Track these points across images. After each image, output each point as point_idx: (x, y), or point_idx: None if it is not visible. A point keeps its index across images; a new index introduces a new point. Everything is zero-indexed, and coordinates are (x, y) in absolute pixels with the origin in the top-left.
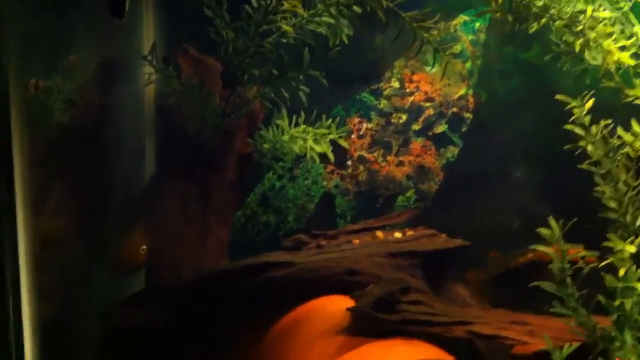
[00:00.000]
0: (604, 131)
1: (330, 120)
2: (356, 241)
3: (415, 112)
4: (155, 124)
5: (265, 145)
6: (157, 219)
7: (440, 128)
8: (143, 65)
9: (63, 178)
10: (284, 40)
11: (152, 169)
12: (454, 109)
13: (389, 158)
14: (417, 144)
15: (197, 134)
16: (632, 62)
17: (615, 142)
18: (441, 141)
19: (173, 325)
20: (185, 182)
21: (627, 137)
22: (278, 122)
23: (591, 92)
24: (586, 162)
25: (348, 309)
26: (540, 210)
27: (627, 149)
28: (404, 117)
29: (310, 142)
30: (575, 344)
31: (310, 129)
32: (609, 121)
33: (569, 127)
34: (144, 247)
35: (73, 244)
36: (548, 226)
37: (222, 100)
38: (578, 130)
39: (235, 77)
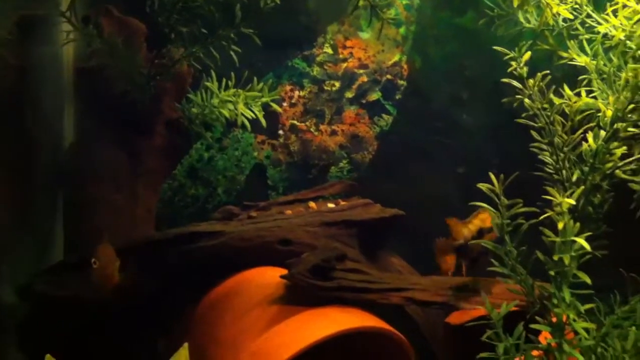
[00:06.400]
0: (541, 83)
1: (262, 84)
2: (289, 212)
3: (348, 79)
4: (75, 87)
5: (194, 110)
6: (82, 186)
7: (374, 96)
8: (61, 23)
9: None
10: None
11: (72, 134)
12: (388, 76)
13: (321, 127)
14: (350, 112)
15: (123, 95)
16: (570, 16)
17: (552, 96)
18: (375, 109)
19: (99, 296)
20: (112, 147)
21: (567, 91)
22: (207, 84)
23: (529, 43)
24: (523, 114)
25: (282, 276)
26: (477, 178)
27: (564, 105)
28: (337, 84)
29: (241, 106)
30: (513, 303)
31: (241, 91)
32: (547, 72)
33: (505, 80)
34: (94, 259)
35: None
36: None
37: (147, 63)
38: (515, 83)
39: (162, 37)
